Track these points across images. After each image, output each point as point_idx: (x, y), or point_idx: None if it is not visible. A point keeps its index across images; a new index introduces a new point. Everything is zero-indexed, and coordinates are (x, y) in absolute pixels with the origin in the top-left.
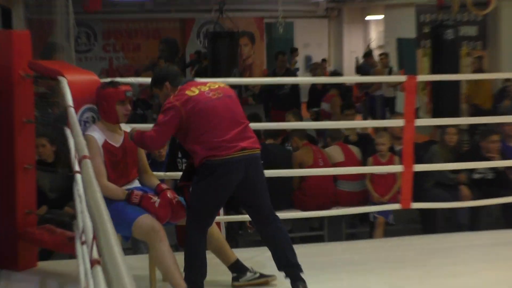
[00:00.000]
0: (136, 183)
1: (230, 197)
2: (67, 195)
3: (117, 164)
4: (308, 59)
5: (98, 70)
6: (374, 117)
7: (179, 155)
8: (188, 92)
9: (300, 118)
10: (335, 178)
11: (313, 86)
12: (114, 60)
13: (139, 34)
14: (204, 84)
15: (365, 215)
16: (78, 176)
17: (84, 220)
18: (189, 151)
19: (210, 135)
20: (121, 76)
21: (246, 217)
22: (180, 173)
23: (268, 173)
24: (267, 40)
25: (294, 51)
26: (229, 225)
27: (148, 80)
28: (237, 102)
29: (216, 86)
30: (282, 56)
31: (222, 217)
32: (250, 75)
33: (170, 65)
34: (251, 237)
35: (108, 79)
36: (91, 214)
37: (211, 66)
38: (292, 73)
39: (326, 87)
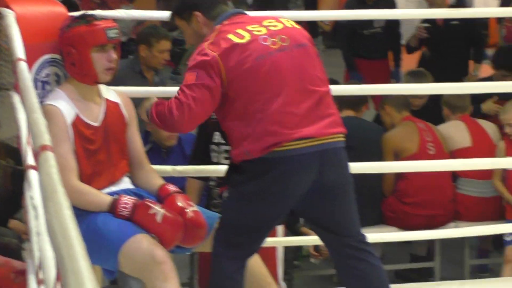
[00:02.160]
0: (126, 184)
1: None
2: (13, 203)
3: (95, 153)
4: None
5: None
6: None
7: (216, 139)
8: (231, 37)
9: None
10: (454, 175)
11: (428, 22)
12: None
13: None
14: (259, 21)
15: (501, 238)
16: (33, 175)
17: (42, 246)
18: (227, 134)
19: (263, 111)
20: (104, 4)
21: (307, 240)
22: (213, 169)
23: None
24: None
25: None
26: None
27: (147, 13)
28: (314, 55)
29: (280, 26)
30: None
31: (280, 239)
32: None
33: None
34: (315, 271)
35: (79, 13)
36: (53, 238)
37: None
38: (389, 3)
39: (448, 23)
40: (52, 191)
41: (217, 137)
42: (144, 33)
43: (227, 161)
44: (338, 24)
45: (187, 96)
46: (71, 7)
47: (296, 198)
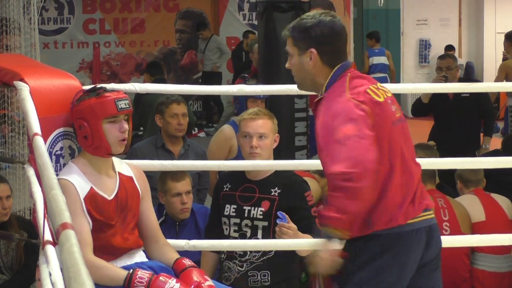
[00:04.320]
0: (141, 257)
1: None
2: (26, 275)
3: (109, 227)
4: (423, 45)
5: (75, 64)
6: None
7: (226, 212)
8: (370, 92)
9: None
10: (471, 250)
11: (438, 95)
12: (102, 47)
13: (143, 3)
14: (374, 82)
15: None
16: (51, 250)
17: None
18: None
19: (392, 185)
20: (114, 73)
21: None
22: (227, 244)
23: None
24: (356, 13)
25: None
26: None
27: (160, 86)
28: (409, 131)
29: (390, 94)
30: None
31: None
32: None
33: (336, 19)
34: None
35: (89, 86)
36: None
37: (263, 59)
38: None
39: (459, 95)
40: (76, 271)
41: (227, 209)
42: (157, 103)
43: (236, 234)
44: None
45: (357, 150)
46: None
47: (411, 274)
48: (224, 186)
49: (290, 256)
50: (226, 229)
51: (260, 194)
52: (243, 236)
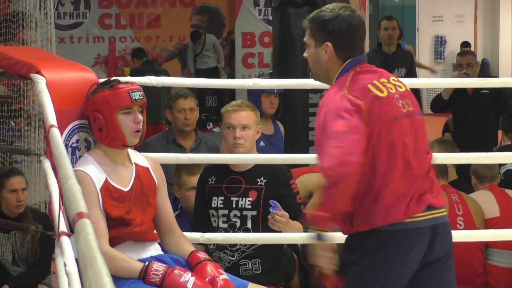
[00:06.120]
0: (156, 250)
1: None
2: (41, 268)
3: (125, 218)
4: (439, 41)
5: (91, 58)
6: None
7: (214, 204)
8: (371, 88)
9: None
10: (485, 245)
11: (458, 90)
12: (118, 42)
13: None
14: (387, 76)
15: None
16: (66, 241)
17: None
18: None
19: (389, 178)
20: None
21: None
22: (242, 237)
23: None
24: (372, 9)
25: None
26: None
27: (176, 80)
28: (424, 125)
29: (404, 88)
30: (388, 21)
31: None
32: None
33: (355, 13)
34: None
35: (104, 79)
36: None
37: (278, 54)
38: (407, 55)
39: (478, 91)
40: (91, 258)
41: (215, 202)
42: (168, 97)
43: (225, 225)
44: None
45: (342, 148)
46: None
47: (411, 273)
48: (209, 179)
49: (278, 244)
50: (215, 220)
51: (246, 185)
52: (232, 226)
